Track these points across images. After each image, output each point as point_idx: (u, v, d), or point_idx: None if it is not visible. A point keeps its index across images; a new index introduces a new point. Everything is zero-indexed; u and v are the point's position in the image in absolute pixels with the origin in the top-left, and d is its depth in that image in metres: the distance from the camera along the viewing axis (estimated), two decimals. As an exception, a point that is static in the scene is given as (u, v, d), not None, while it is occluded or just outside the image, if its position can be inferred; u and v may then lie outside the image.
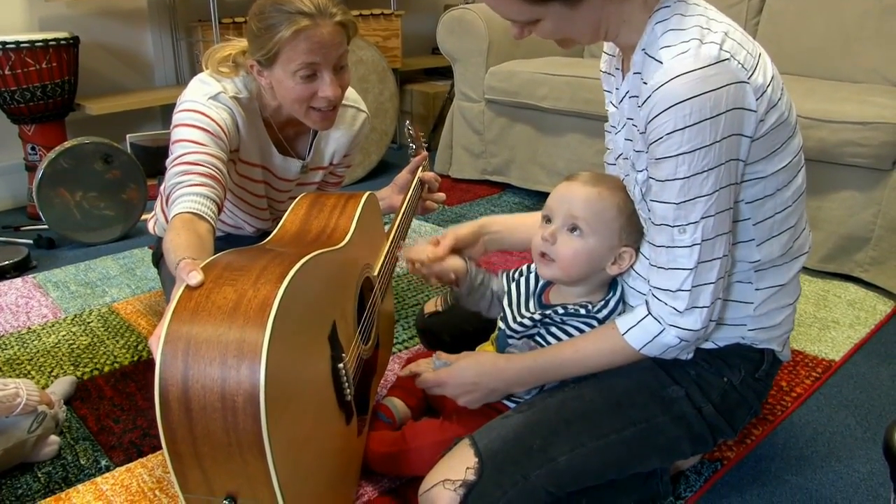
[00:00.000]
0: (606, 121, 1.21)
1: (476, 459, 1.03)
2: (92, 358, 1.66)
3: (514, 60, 2.82)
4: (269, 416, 0.84)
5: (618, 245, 1.11)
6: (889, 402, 1.50)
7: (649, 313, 1.03)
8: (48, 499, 1.22)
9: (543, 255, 1.14)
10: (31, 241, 2.35)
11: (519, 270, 1.28)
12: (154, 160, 2.68)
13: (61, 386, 1.48)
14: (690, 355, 1.08)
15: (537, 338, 1.18)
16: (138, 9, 2.97)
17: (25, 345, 1.72)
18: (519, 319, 1.20)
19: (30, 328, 1.80)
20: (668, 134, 0.93)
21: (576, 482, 1.06)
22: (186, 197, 1.23)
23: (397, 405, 1.34)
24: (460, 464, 1.04)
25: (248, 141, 1.47)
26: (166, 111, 3.04)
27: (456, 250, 1.31)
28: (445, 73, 3.49)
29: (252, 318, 0.87)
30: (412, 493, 1.14)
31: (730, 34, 0.95)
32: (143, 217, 2.41)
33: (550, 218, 1.14)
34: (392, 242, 1.41)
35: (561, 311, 1.15)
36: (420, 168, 1.64)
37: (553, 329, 1.16)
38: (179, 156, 1.29)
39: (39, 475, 1.28)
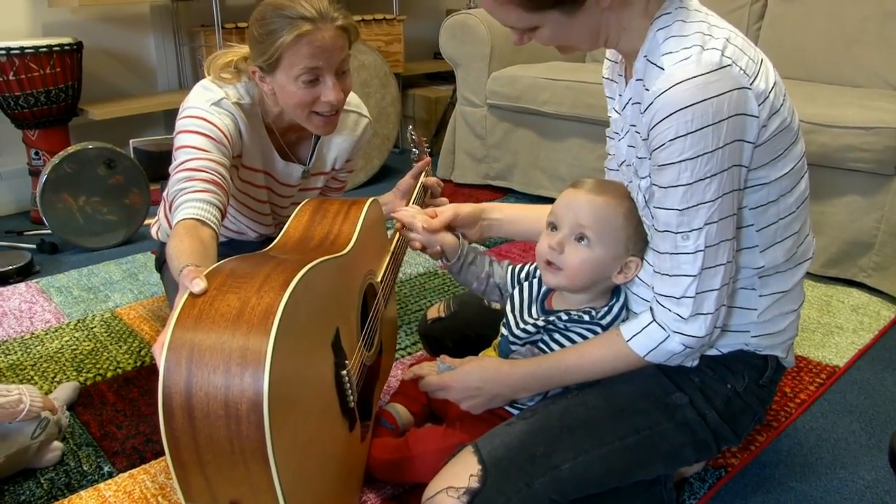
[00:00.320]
0: (608, 126, 1.21)
1: (479, 467, 1.03)
2: (95, 363, 1.66)
3: (516, 65, 2.83)
4: (273, 423, 0.84)
5: (624, 255, 1.11)
6: (894, 408, 1.50)
7: (654, 320, 1.03)
8: (51, 505, 1.22)
9: (550, 263, 1.14)
10: (34, 246, 2.35)
11: (525, 271, 1.28)
12: (157, 165, 2.68)
13: (64, 391, 1.48)
14: (695, 362, 1.08)
15: (540, 344, 1.18)
16: (141, 14, 2.98)
17: (28, 350, 1.72)
18: (522, 325, 1.20)
19: (33, 333, 1.80)
20: (670, 140, 0.93)
21: (579, 490, 1.06)
22: (190, 203, 1.23)
23: (400, 411, 1.33)
24: (464, 471, 1.04)
25: (251, 146, 1.47)
26: (169, 116, 3.05)
27: (451, 227, 1.31)
28: (448, 77, 3.50)
29: (255, 326, 0.87)
30: (415, 501, 1.14)
31: (731, 40, 0.95)
32: (146, 222, 2.41)
33: (556, 226, 1.14)
34: (395, 248, 1.41)
35: (564, 317, 1.15)
36: (423, 173, 1.64)
37: (556, 336, 1.16)
38: (182, 162, 1.29)
39: (42, 481, 1.28)
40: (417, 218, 1.29)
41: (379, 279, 1.32)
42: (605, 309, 1.14)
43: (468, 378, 1.15)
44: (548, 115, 2.67)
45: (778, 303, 1.09)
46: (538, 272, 1.25)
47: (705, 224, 0.96)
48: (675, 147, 0.93)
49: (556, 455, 1.05)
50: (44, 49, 2.41)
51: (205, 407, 0.85)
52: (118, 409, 1.49)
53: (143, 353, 1.71)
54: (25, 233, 2.54)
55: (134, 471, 1.30)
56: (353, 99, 1.59)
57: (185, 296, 0.92)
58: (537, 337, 1.18)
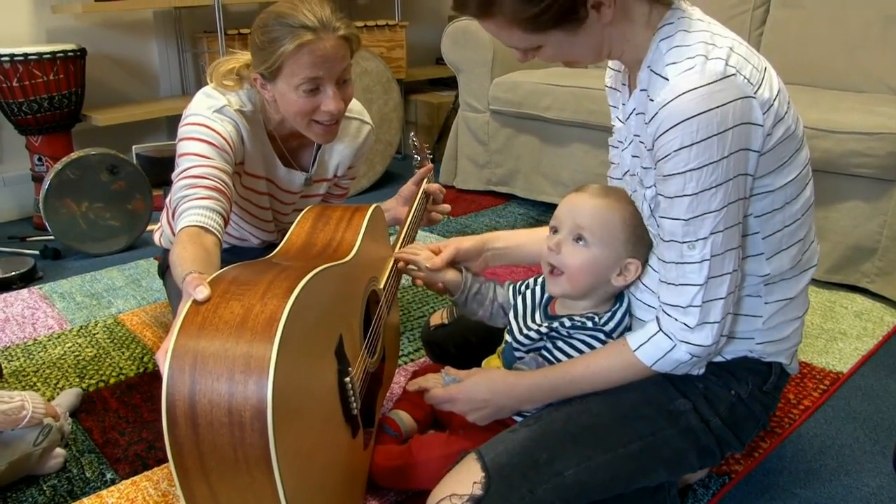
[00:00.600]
0: (610, 131, 1.21)
1: (483, 474, 1.03)
2: (97, 369, 1.66)
3: (519, 71, 2.83)
4: (277, 431, 0.84)
5: (623, 256, 1.11)
6: (898, 414, 1.49)
7: (660, 329, 1.03)
8: (54, 512, 1.22)
9: (553, 269, 1.15)
10: (37, 252, 2.35)
11: (525, 283, 1.28)
12: (159, 171, 2.68)
13: (67, 398, 1.48)
14: (702, 371, 1.08)
15: (543, 352, 1.18)
16: (144, 20, 2.99)
17: (31, 356, 1.72)
18: (525, 332, 1.20)
19: (35, 339, 1.80)
20: (675, 151, 0.93)
21: (583, 496, 1.06)
22: (193, 210, 1.23)
23: (403, 418, 1.33)
24: (467, 478, 1.03)
25: (253, 153, 1.47)
26: (172, 122, 3.05)
27: (454, 262, 1.32)
28: (450, 83, 3.50)
29: (259, 333, 0.87)
30: (418, 508, 1.14)
31: (735, 49, 0.95)
32: (149, 228, 2.42)
33: (557, 229, 1.15)
34: (398, 255, 1.41)
35: (567, 323, 1.15)
36: (425, 179, 1.64)
37: (560, 343, 1.16)
38: (185, 169, 1.30)
39: (45, 488, 1.28)
40: (421, 256, 1.31)
41: (382, 286, 1.32)
42: (608, 315, 1.14)
43: (475, 391, 1.15)
44: (550, 120, 2.67)
45: (783, 310, 1.08)
46: (539, 279, 1.25)
47: (711, 233, 0.96)
48: (681, 157, 0.93)
49: (559, 462, 1.05)
50: (47, 55, 2.42)
51: (208, 414, 0.85)
52: (121, 415, 1.49)
53: (145, 359, 1.71)
54: (28, 238, 2.55)
55: (136, 477, 1.30)
56: (355, 106, 1.59)
57: (189, 303, 0.93)
58: (540, 344, 1.18)
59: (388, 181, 3.17)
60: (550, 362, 1.17)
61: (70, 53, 2.48)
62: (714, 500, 1.24)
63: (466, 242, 1.34)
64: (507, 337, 1.24)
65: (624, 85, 1.13)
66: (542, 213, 2.79)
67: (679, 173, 0.94)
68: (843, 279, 2.06)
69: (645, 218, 1.09)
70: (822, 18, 2.45)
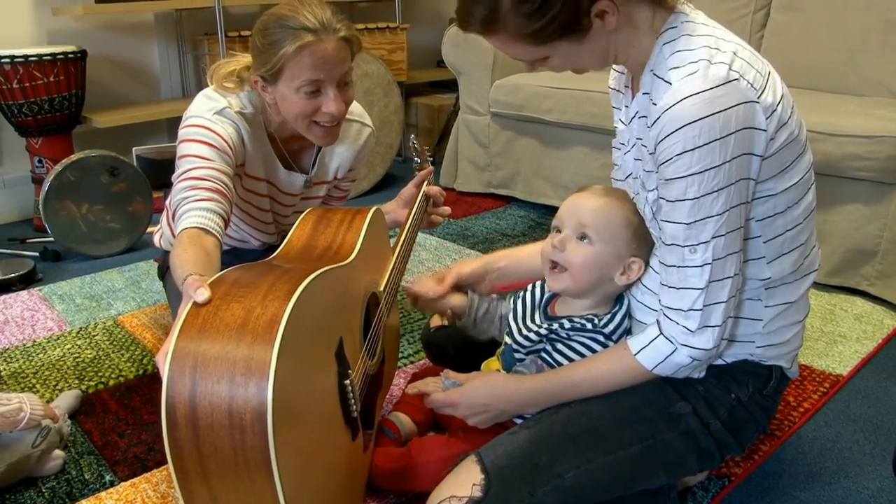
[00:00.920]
0: (612, 134, 1.21)
1: (482, 476, 1.03)
2: (97, 371, 1.66)
3: (519, 74, 2.83)
4: (277, 433, 0.84)
5: (626, 254, 1.12)
6: (897, 417, 1.49)
7: (661, 333, 1.03)
8: (53, 514, 1.22)
9: (554, 265, 1.15)
10: (36, 254, 2.35)
11: (525, 289, 1.29)
12: (160, 173, 2.69)
13: (66, 400, 1.48)
14: (702, 374, 1.08)
15: (543, 354, 1.18)
16: (145, 22, 2.99)
17: (30, 358, 1.72)
18: (525, 332, 1.20)
19: (35, 341, 1.80)
20: (677, 155, 0.93)
21: (582, 499, 1.06)
22: (193, 212, 1.23)
23: (403, 421, 1.33)
24: (466, 480, 1.03)
25: (254, 155, 1.47)
26: (172, 124, 3.05)
27: (459, 286, 1.34)
28: (451, 86, 3.50)
29: (260, 336, 0.87)
30: (418, 510, 1.14)
31: (738, 53, 0.95)
32: (149, 230, 2.41)
33: (560, 228, 1.16)
34: (398, 257, 1.41)
35: (567, 324, 1.15)
36: (425, 182, 1.64)
37: (559, 345, 1.16)
38: (186, 171, 1.30)
39: (44, 490, 1.28)
40: (427, 286, 1.33)
41: (382, 288, 1.32)
42: (608, 317, 1.14)
43: (475, 395, 1.15)
44: (551, 123, 2.67)
45: (784, 314, 1.09)
46: (538, 283, 1.25)
47: (713, 237, 0.96)
48: (683, 161, 0.93)
49: (559, 464, 1.04)
50: (48, 57, 2.42)
51: (209, 417, 0.85)
52: (120, 417, 1.49)
53: (145, 361, 1.71)
54: (28, 240, 2.55)
55: (136, 479, 1.30)
56: (356, 108, 1.59)
57: (189, 305, 0.93)
58: (540, 346, 1.18)
59: (388, 184, 3.17)
60: (550, 364, 1.17)
61: (70, 55, 2.48)
62: (714, 503, 1.24)
63: (468, 266, 1.36)
64: (507, 339, 1.24)
65: (627, 87, 1.13)
66: (542, 215, 2.79)
67: (681, 177, 0.94)
68: (843, 282, 2.06)
69: (647, 221, 1.09)
70: (823, 22, 2.45)
